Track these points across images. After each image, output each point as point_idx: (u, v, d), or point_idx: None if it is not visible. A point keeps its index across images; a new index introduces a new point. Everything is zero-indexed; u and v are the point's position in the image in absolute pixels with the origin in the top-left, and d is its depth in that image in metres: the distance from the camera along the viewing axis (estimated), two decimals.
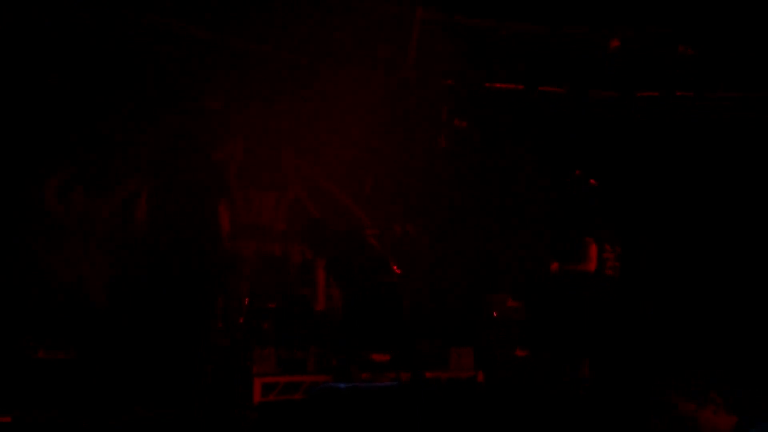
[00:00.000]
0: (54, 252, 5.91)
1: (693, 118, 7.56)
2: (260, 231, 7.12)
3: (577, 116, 7.85)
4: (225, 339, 5.50)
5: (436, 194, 7.70)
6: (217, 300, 5.19)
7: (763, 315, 6.99)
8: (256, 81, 7.02)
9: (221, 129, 6.82)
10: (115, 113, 6.38)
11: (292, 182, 7.52)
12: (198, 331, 5.46)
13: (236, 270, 5.79)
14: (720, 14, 6.90)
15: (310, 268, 6.49)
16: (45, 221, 5.91)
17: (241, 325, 5.65)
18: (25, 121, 6.00)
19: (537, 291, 6.99)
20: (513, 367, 6.85)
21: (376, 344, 5.66)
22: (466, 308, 7.29)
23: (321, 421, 4.08)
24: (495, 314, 7.08)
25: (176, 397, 5.20)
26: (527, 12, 7.31)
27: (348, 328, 5.46)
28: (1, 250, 5.72)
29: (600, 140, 7.84)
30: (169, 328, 5.69)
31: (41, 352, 5.09)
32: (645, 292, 7.08)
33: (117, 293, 6.04)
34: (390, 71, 7.51)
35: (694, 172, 7.70)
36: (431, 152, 7.77)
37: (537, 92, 7.78)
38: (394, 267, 5.82)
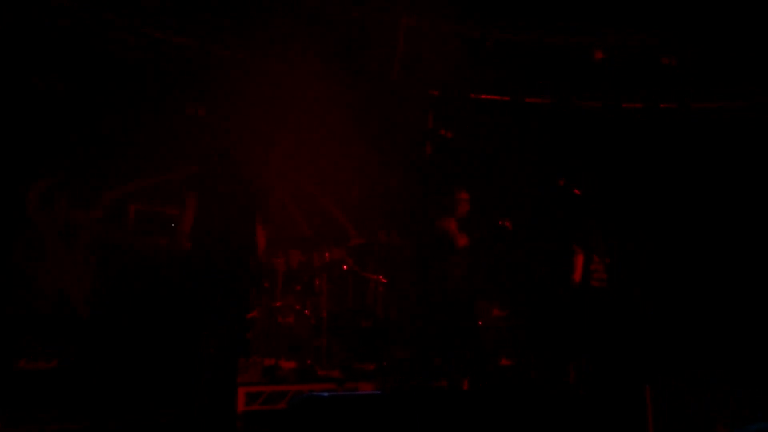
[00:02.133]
0: (37, 261, 5.86)
1: (677, 129, 7.63)
2: None
3: (563, 127, 7.89)
4: (211, 348, 5.46)
5: (421, 203, 7.71)
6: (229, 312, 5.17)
7: (753, 322, 7.06)
8: (242, 89, 7.02)
9: (206, 135, 6.81)
10: (100, 121, 6.37)
11: (278, 191, 7.52)
12: (189, 342, 5.43)
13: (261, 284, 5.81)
14: (704, 26, 6.99)
15: (294, 276, 6.50)
16: (28, 230, 5.87)
17: (230, 334, 5.62)
18: (8, 129, 5.96)
19: (522, 300, 7.02)
20: (498, 376, 6.86)
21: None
22: (451, 317, 7.28)
23: (304, 431, 4.06)
24: (480, 323, 7.09)
25: (161, 407, 5.17)
26: (513, 22, 7.35)
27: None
28: None
29: (585, 151, 7.89)
30: (158, 338, 5.67)
31: (23, 362, 5.05)
32: (634, 301, 7.13)
33: (101, 303, 6.00)
34: (376, 80, 7.52)
35: (679, 182, 7.76)
36: (417, 161, 7.78)
37: (522, 102, 7.82)
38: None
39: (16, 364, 5.04)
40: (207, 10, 6.73)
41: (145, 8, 6.42)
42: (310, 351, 6.06)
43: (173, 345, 5.53)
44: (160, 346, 5.64)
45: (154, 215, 6.53)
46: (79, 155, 6.37)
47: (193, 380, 5.14)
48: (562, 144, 7.80)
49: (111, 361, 5.44)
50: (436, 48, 7.47)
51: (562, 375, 6.30)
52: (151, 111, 6.60)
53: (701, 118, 7.60)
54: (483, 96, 7.82)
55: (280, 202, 7.51)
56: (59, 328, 5.53)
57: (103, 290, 6.13)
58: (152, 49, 6.63)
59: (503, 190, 7.75)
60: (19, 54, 6.05)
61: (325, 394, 4.18)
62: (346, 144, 7.35)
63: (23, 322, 5.46)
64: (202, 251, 5.03)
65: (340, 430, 4.07)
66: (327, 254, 6.73)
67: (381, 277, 7.08)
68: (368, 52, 7.37)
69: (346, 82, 7.32)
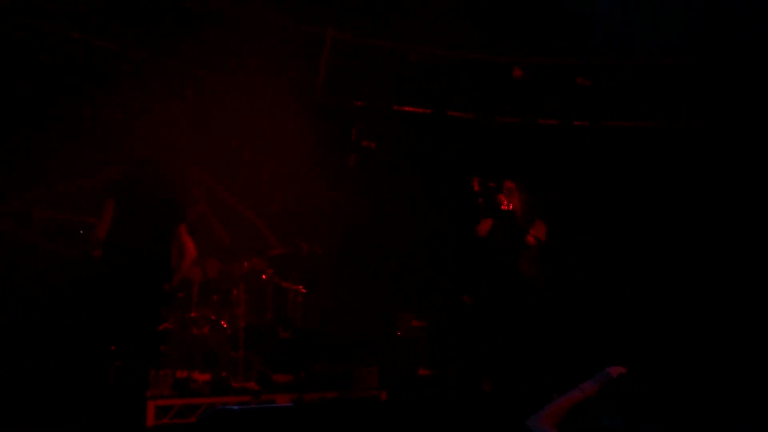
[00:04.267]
0: None
1: (589, 147, 7.91)
2: None
3: (483, 140, 8.07)
4: (119, 359, 5.32)
5: (344, 214, 7.73)
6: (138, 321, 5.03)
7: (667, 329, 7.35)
8: (163, 95, 6.88)
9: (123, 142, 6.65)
10: (7, 124, 6.13)
11: (197, 199, 7.39)
12: (96, 353, 5.28)
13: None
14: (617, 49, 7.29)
15: (211, 286, 6.40)
16: None
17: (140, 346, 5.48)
18: None
19: (442, 311, 7.12)
20: (416, 386, 6.93)
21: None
22: (371, 328, 7.32)
23: None
24: (399, 333, 7.15)
25: (66, 421, 5.00)
26: (437, 38, 7.49)
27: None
28: None
29: (504, 164, 8.08)
30: (64, 349, 5.48)
31: None
32: (547, 310, 7.32)
33: (4, 311, 5.76)
34: (300, 90, 7.52)
35: (592, 196, 8.03)
36: (340, 172, 7.81)
37: (444, 116, 7.96)
38: None
39: None
40: (129, 13, 6.60)
41: (64, 9, 6.25)
42: (225, 363, 5.96)
43: (80, 356, 5.35)
44: (67, 357, 5.45)
45: (60, 222, 6.32)
46: None
47: (100, 393, 5.00)
48: (483, 157, 7.97)
49: (13, 373, 5.22)
50: (361, 60, 7.53)
51: (478, 384, 6.42)
52: (64, 115, 6.39)
53: (613, 136, 7.90)
54: (406, 108, 7.92)
55: (199, 210, 7.39)
56: None
57: (6, 298, 5.88)
58: (69, 50, 6.44)
59: (424, 202, 7.85)
60: None
61: (236, 407, 4.13)
62: (269, 153, 7.30)
63: None
64: (114, 260, 4.91)
65: None
66: (246, 264, 6.65)
67: (301, 287, 7.06)
68: (293, 63, 7.36)
69: (269, 92, 7.28)
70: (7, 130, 6.16)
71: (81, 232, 6.04)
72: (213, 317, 6.11)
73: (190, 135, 7.06)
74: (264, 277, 6.83)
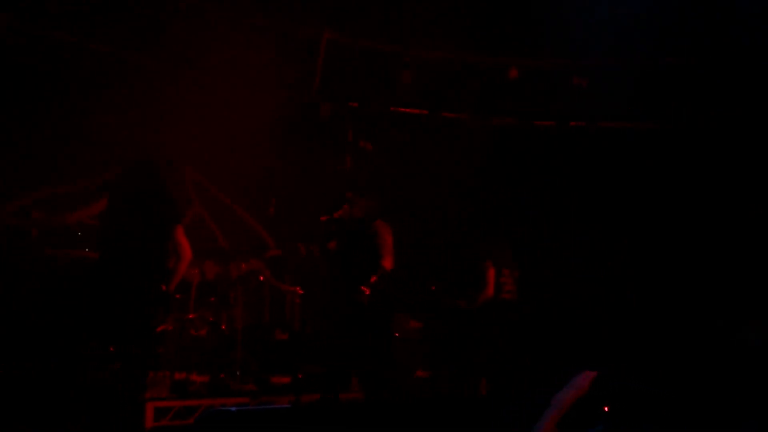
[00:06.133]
0: None
1: (586, 147, 7.93)
2: None
3: (480, 141, 8.08)
4: (118, 361, 5.31)
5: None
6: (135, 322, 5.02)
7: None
8: (159, 97, 6.89)
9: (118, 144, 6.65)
10: (3, 128, 6.12)
11: (193, 200, 7.39)
12: (94, 355, 5.26)
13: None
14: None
15: (209, 288, 6.40)
16: None
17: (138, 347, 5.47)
18: None
19: (438, 313, 7.12)
20: (414, 388, 6.93)
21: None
22: (368, 329, 7.31)
23: None
24: (397, 335, 7.14)
25: (64, 423, 4.98)
26: (431, 39, 7.51)
27: None
28: None
29: (499, 166, 8.10)
30: (61, 351, 5.48)
31: None
32: (542, 312, 7.34)
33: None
34: (296, 92, 7.52)
35: (589, 198, 8.05)
36: (336, 173, 7.81)
37: (441, 117, 7.97)
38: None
39: None
40: (123, 15, 6.60)
41: (53, 12, 6.24)
42: (223, 364, 5.96)
43: (78, 359, 5.34)
44: (67, 357, 5.44)
45: (57, 225, 6.32)
46: None
47: (98, 395, 4.98)
48: (478, 159, 7.98)
49: (10, 375, 5.21)
50: (356, 61, 7.54)
51: (475, 387, 6.43)
52: (59, 118, 6.39)
53: (613, 136, 7.92)
54: (402, 109, 7.93)
55: (195, 211, 7.39)
56: None
57: (5, 299, 5.86)
58: (61, 53, 6.44)
59: (420, 203, 7.85)
60: None
61: (234, 408, 4.12)
62: (266, 154, 7.30)
63: None
64: (111, 261, 4.90)
65: None
66: (243, 265, 6.65)
67: (298, 288, 7.05)
68: (290, 64, 7.36)
69: (266, 93, 7.29)
70: (3, 135, 6.15)
71: (78, 233, 6.03)
72: (211, 319, 6.10)
73: (185, 136, 7.06)
74: (261, 278, 6.83)
